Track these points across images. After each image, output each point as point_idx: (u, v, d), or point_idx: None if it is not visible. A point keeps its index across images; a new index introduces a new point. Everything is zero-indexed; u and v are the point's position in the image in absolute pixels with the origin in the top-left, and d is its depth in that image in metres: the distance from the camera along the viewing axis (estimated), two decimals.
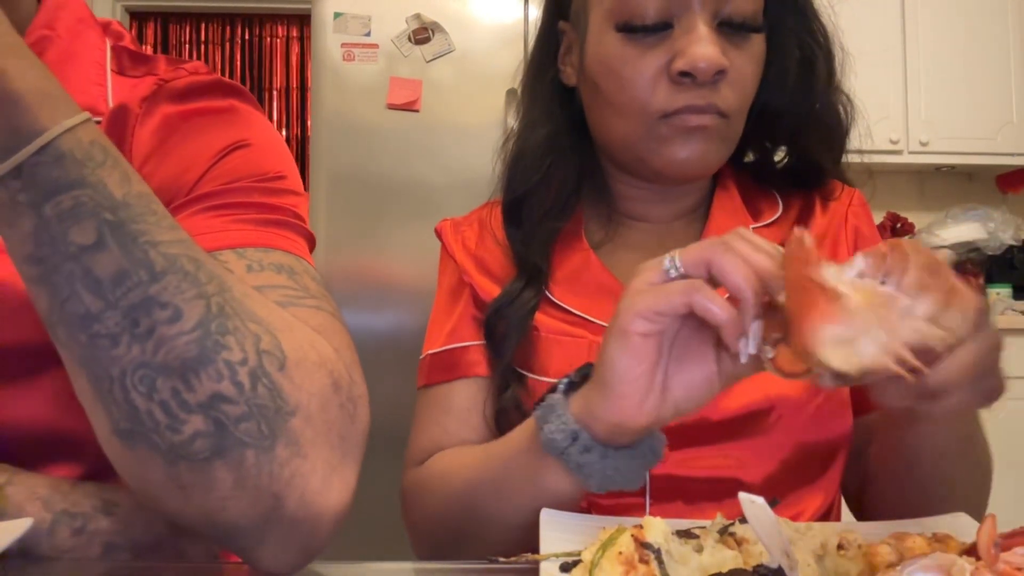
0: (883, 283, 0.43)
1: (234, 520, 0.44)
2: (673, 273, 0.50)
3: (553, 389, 0.57)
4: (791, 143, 0.79)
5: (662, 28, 0.67)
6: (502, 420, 0.72)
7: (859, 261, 0.44)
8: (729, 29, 0.68)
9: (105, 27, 0.66)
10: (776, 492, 0.64)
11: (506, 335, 0.73)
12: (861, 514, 0.74)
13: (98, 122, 0.59)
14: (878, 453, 0.69)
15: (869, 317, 0.41)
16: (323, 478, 0.45)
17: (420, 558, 0.74)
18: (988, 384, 0.47)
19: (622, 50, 0.69)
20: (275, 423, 0.44)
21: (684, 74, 0.66)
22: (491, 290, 0.77)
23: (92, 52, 0.62)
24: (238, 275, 0.50)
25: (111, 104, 0.61)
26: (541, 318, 0.73)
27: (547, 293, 0.75)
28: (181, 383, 0.42)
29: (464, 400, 0.75)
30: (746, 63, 0.69)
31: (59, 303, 0.42)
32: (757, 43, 0.70)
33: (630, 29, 0.68)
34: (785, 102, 0.75)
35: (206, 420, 0.43)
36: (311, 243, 0.61)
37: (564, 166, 0.78)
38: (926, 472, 0.61)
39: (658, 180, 0.75)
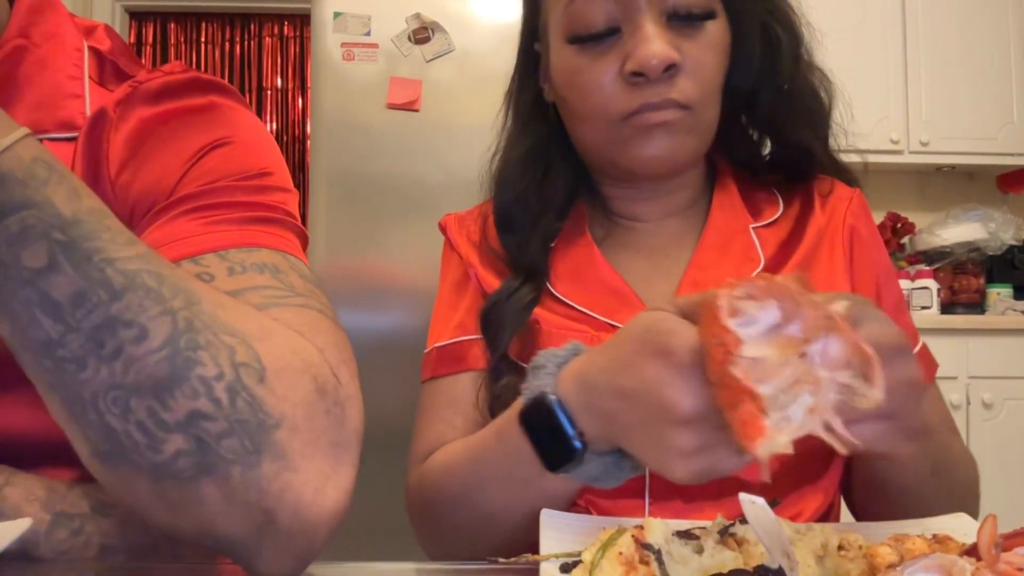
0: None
1: (226, 534, 0.44)
2: None
3: (566, 442, 0.54)
4: (773, 129, 0.79)
5: (611, 34, 0.69)
6: (498, 409, 0.72)
7: (771, 311, 0.40)
8: (679, 21, 0.68)
9: (88, 32, 0.63)
10: (776, 492, 0.64)
11: (502, 328, 0.73)
12: (856, 516, 0.74)
13: (74, 138, 0.57)
14: (854, 476, 0.71)
15: (791, 386, 0.40)
16: (316, 488, 0.44)
17: (430, 556, 0.74)
18: (906, 369, 0.47)
19: (576, 61, 0.71)
20: (258, 438, 0.42)
21: (636, 74, 0.67)
22: (495, 284, 0.77)
23: (69, 61, 0.60)
24: (219, 279, 0.49)
25: (89, 114, 0.58)
26: (542, 312, 0.74)
27: (549, 287, 0.75)
28: (156, 402, 0.41)
29: (469, 394, 0.75)
30: (702, 52, 0.69)
31: (20, 330, 0.41)
32: (713, 30, 0.70)
33: (580, 40, 0.70)
34: (755, 85, 0.75)
35: (187, 438, 0.42)
36: (303, 239, 0.59)
37: (553, 174, 0.79)
38: (900, 498, 0.63)
39: (635, 179, 0.76)
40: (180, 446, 0.41)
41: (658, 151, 0.70)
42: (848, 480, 0.74)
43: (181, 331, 0.42)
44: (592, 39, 0.69)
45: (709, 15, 0.69)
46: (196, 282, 0.46)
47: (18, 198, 0.40)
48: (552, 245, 0.78)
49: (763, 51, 0.74)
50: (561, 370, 0.55)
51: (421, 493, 0.72)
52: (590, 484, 0.55)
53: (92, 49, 0.62)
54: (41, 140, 0.57)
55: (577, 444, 0.52)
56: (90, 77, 0.61)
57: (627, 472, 0.54)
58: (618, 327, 0.71)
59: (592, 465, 0.54)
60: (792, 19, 0.76)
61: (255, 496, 0.43)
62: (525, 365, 0.72)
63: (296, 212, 0.59)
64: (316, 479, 0.44)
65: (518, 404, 0.58)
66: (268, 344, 0.45)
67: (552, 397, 0.54)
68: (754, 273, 0.73)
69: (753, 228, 0.76)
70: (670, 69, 0.67)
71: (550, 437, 0.54)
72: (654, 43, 0.66)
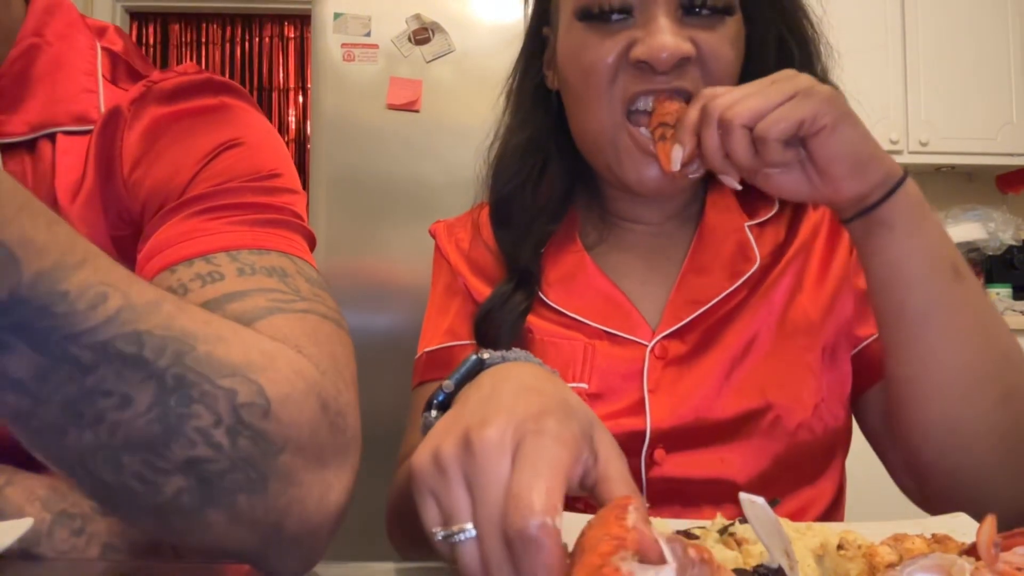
0: None
1: (234, 548, 0.44)
2: None
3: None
4: None
5: (622, 16, 0.67)
6: None
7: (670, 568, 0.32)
8: (695, 13, 0.67)
9: (100, 33, 0.64)
10: (775, 493, 0.64)
11: (497, 339, 0.72)
12: (924, 498, 0.68)
13: (88, 131, 0.58)
14: (888, 372, 0.65)
15: None
16: (320, 496, 0.44)
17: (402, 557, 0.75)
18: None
19: (583, 38, 0.69)
20: (263, 466, 0.42)
21: (642, 62, 0.66)
22: (484, 292, 0.76)
23: (83, 58, 0.61)
24: (229, 278, 0.49)
25: (103, 110, 0.59)
26: (535, 320, 0.73)
27: (541, 295, 0.74)
28: (151, 455, 0.39)
29: None
30: (720, 43, 0.67)
31: None
32: (732, 25, 0.69)
33: (590, 16, 0.68)
34: None
35: (187, 478, 0.40)
36: (311, 241, 0.60)
37: (551, 169, 0.78)
38: (931, 354, 0.59)
39: (633, 193, 0.74)
40: (181, 485, 0.40)
41: (659, 177, 0.68)
42: (898, 457, 0.69)
43: (170, 390, 0.39)
44: (602, 17, 0.68)
45: (727, 10, 0.68)
46: (189, 317, 0.41)
47: None
48: (543, 251, 0.77)
49: (777, 66, 0.73)
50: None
51: (391, 495, 0.73)
52: None
53: (105, 49, 0.63)
54: (55, 133, 0.58)
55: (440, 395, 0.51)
56: (103, 76, 0.62)
57: None
58: (612, 333, 0.71)
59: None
60: (808, 35, 0.74)
61: (261, 514, 0.43)
62: None
63: (304, 214, 0.60)
64: (320, 488, 0.45)
65: None
66: (272, 372, 0.43)
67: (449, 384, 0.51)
68: (749, 272, 0.72)
69: (748, 226, 0.75)
70: (681, 62, 0.65)
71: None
72: (665, 35, 0.64)
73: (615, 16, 0.67)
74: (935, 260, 0.59)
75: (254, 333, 0.46)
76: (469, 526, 0.37)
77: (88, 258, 0.37)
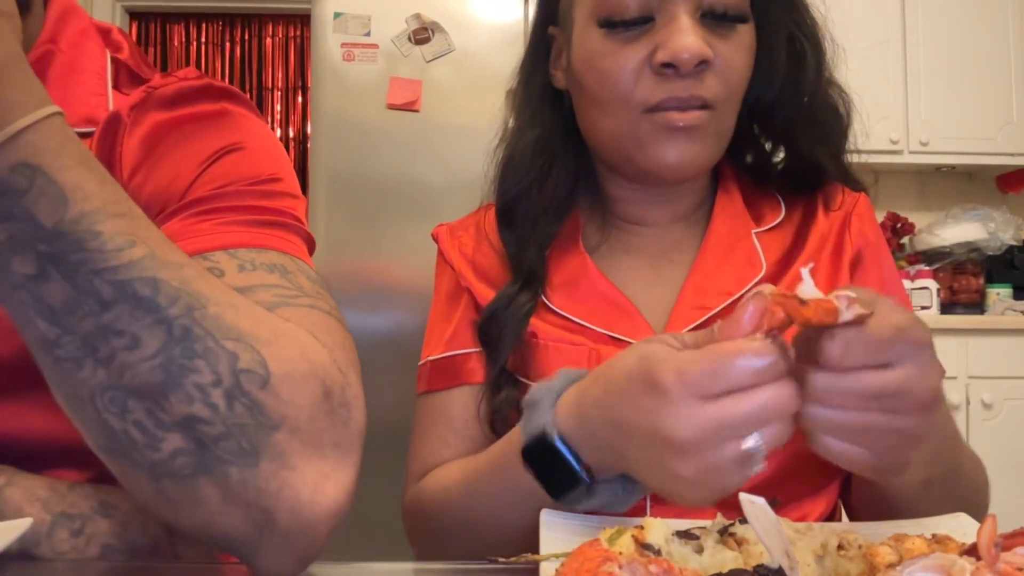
0: None
1: (226, 532, 0.44)
2: None
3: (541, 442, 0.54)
4: (787, 141, 0.78)
5: (643, 22, 0.67)
6: (498, 423, 0.72)
7: None
8: (713, 20, 0.67)
9: (105, 36, 0.65)
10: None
11: (501, 339, 0.72)
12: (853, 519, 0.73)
13: (92, 134, 0.58)
14: (856, 499, 0.69)
15: None
16: (315, 487, 0.45)
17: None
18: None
19: (602, 45, 0.69)
20: (257, 439, 0.43)
21: (666, 65, 0.66)
22: (488, 296, 0.76)
23: (93, 64, 0.62)
24: (229, 275, 0.49)
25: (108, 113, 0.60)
26: (539, 325, 0.73)
27: (544, 299, 0.74)
28: (153, 404, 0.42)
29: (465, 409, 0.74)
30: (734, 52, 0.68)
31: (20, 327, 0.42)
32: (745, 33, 0.69)
33: (611, 24, 0.68)
34: (776, 96, 0.75)
35: (185, 438, 0.42)
36: (310, 244, 0.60)
37: (556, 169, 0.77)
38: (905, 508, 0.60)
39: (649, 181, 0.74)
40: (178, 445, 0.42)
41: (680, 156, 0.68)
42: (848, 489, 0.72)
43: (177, 339, 0.42)
44: (623, 25, 0.68)
45: (742, 18, 0.68)
46: (207, 283, 0.45)
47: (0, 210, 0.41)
48: (547, 253, 0.77)
49: (788, 64, 0.73)
50: (557, 403, 0.55)
51: (418, 516, 0.72)
52: (599, 511, 0.54)
53: (111, 56, 0.64)
54: None
55: (586, 479, 0.53)
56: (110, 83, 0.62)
57: (635, 496, 0.54)
58: (617, 338, 0.70)
59: (601, 495, 0.53)
60: (818, 34, 0.75)
61: (253, 495, 0.43)
62: (523, 379, 0.71)
63: (304, 218, 0.60)
64: (315, 478, 0.45)
65: (515, 439, 0.57)
66: (277, 348, 0.45)
67: (554, 435, 0.53)
68: (755, 280, 0.72)
69: (755, 233, 0.75)
70: (701, 65, 0.66)
71: (556, 473, 0.54)
72: (688, 36, 0.64)
73: (635, 23, 0.67)
74: (941, 476, 0.58)
75: (268, 313, 0.47)
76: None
77: (129, 214, 0.44)
